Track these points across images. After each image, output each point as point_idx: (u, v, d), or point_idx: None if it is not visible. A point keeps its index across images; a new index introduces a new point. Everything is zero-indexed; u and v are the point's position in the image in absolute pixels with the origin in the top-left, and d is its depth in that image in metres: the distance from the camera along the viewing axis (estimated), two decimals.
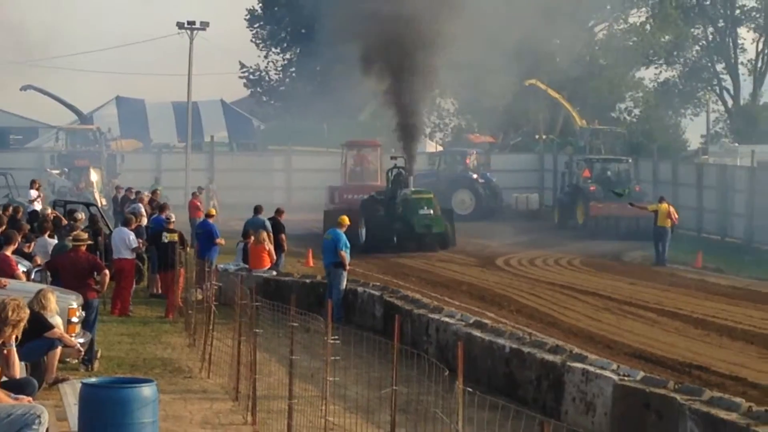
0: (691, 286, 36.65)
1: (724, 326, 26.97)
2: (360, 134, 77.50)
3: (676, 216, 45.34)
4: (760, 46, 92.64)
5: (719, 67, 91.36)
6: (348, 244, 29.92)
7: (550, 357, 18.44)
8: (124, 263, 29.00)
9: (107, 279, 23.00)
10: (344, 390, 15.47)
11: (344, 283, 28.97)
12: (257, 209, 36.63)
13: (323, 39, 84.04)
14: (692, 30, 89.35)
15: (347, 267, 29.24)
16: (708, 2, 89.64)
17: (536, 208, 67.13)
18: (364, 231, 49.26)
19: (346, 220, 30.75)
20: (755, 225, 52.00)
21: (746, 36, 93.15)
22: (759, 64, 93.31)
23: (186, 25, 72.63)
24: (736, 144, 73.15)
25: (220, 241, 32.94)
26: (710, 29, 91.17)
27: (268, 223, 35.31)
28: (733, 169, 57.79)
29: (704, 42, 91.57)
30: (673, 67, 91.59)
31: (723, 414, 14.01)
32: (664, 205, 45.03)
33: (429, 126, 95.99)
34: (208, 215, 35.21)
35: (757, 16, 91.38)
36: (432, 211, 50.22)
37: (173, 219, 33.63)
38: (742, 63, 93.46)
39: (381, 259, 46.20)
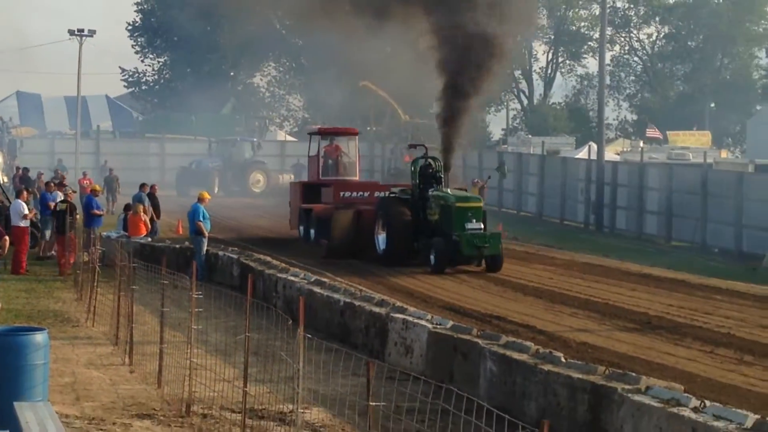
0: None
1: (518, 284, 27.21)
2: (222, 126, 77.21)
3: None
4: (550, 56, 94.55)
5: (517, 73, 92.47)
6: (206, 215, 28.68)
7: (376, 309, 18.48)
8: (20, 230, 28.60)
9: (7, 243, 22.54)
10: (206, 336, 15.36)
11: (204, 247, 28.55)
12: (141, 186, 35.69)
13: (192, 46, 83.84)
14: None
15: (205, 234, 28.52)
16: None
17: None
18: (383, 237, 31.26)
19: (206, 194, 29.75)
20: (545, 202, 52.99)
21: (538, 48, 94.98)
22: (548, 71, 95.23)
23: (76, 32, 72.19)
24: (530, 136, 74.42)
25: (96, 212, 32.13)
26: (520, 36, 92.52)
27: (146, 199, 34.66)
28: (527, 157, 58.71)
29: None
30: None
31: (516, 355, 14.16)
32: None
33: (279, 118, 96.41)
34: (93, 192, 34.66)
35: (550, 31, 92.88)
36: (482, 225, 30.35)
37: (70, 192, 35.25)
38: (535, 70, 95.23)
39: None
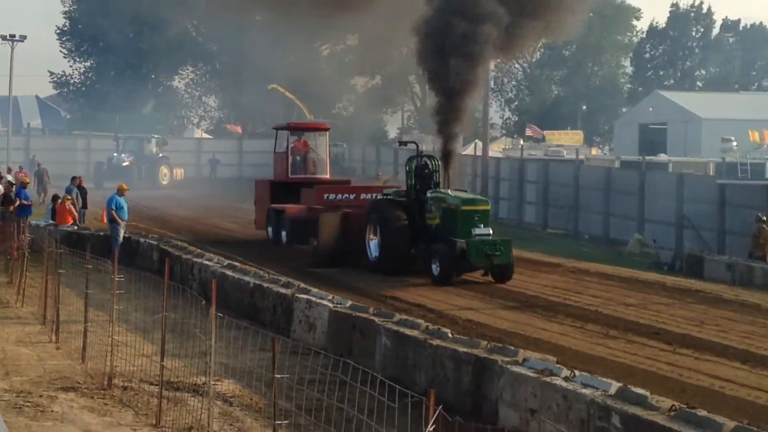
0: None
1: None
2: (144, 125, 76.33)
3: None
4: None
5: (411, 77, 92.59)
6: (120, 205, 27.39)
7: (283, 290, 18.43)
8: None
9: None
10: (127, 316, 15.15)
11: (119, 233, 27.54)
12: (72, 179, 34.86)
13: (116, 51, 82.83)
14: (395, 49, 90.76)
15: (118, 221, 27.25)
16: None
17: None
18: (376, 243, 25.88)
19: (125, 186, 28.56)
20: None
21: None
22: None
23: (8, 37, 70.38)
24: (422, 134, 74.64)
25: (25, 202, 31.39)
26: (404, 50, 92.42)
27: (75, 190, 34.05)
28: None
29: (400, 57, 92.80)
30: (376, 76, 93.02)
31: (408, 331, 14.22)
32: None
33: (196, 117, 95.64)
34: (22, 184, 34.13)
35: None
36: (491, 231, 24.90)
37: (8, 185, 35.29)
38: None
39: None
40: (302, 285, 19.18)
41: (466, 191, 28.50)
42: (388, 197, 27.01)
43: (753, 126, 57.23)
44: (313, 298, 17.30)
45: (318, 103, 72.02)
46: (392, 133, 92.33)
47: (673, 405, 10.16)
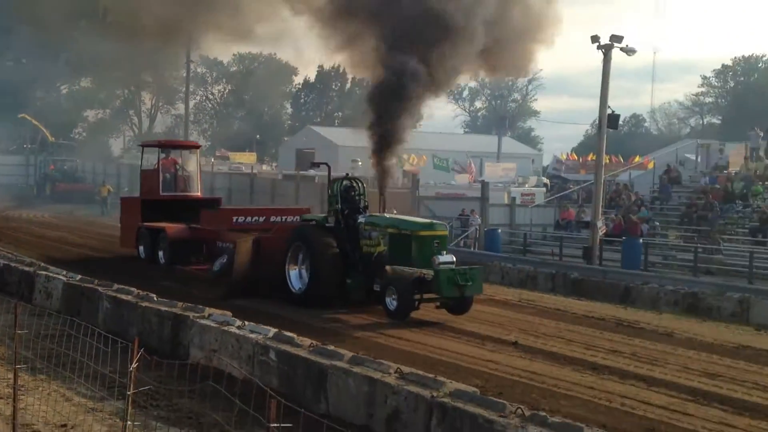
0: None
1: None
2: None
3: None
4: (154, 101, 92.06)
5: (131, 111, 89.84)
6: None
7: (26, 268, 17.33)
8: None
9: None
10: None
11: None
12: None
13: None
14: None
15: None
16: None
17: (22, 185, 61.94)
18: (297, 274, 17.33)
19: None
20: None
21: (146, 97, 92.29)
22: (152, 110, 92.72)
23: None
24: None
25: None
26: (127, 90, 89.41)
27: None
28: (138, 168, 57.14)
29: (124, 96, 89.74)
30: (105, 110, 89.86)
31: (123, 296, 13.74)
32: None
33: None
34: None
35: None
36: (453, 258, 16.09)
37: None
38: (143, 111, 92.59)
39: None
40: (42, 264, 18.11)
41: (431, 222, 17.18)
42: (313, 222, 18.05)
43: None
44: (51, 274, 16.34)
45: (59, 129, 68.16)
46: (116, 151, 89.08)
47: (311, 343, 10.43)
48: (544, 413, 7.85)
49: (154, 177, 24.79)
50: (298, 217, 20.12)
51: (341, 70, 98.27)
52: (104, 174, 55.81)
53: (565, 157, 60.44)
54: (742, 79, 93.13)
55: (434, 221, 17.34)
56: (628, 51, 25.63)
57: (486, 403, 8.05)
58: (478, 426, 7.74)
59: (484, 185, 34.70)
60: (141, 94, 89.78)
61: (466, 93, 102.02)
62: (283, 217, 21.18)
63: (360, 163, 54.37)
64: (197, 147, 26.48)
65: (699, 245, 25.64)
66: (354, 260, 17.03)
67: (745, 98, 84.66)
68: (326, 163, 19.84)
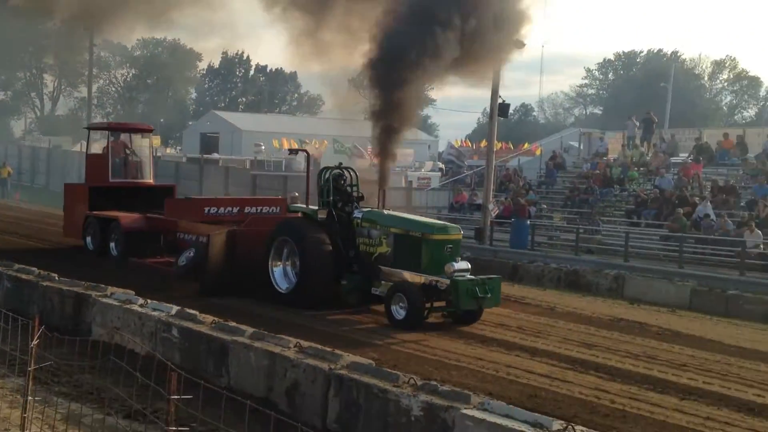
0: None
1: None
2: None
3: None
4: (57, 83, 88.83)
5: (32, 94, 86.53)
6: None
7: None
8: None
9: None
10: None
11: None
12: None
13: None
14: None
15: None
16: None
17: None
18: (281, 271, 14.80)
19: None
20: (50, 180, 49.62)
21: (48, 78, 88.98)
22: (55, 93, 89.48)
23: None
24: (41, 136, 70.01)
25: None
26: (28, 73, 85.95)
27: None
28: (38, 150, 55.16)
29: (26, 78, 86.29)
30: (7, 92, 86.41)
31: (24, 276, 13.34)
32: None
33: None
34: None
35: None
36: (469, 265, 13.47)
37: None
38: (45, 93, 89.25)
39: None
40: None
41: (446, 224, 14.90)
42: (300, 216, 15.44)
43: (275, 136, 59.12)
44: None
45: None
46: (17, 133, 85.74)
47: (213, 320, 10.34)
48: (435, 382, 8.01)
49: (102, 162, 21.26)
50: (275, 208, 18.11)
51: (245, 57, 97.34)
52: (5, 155, 53.66)
53: (459, 143, 61.31)
54: (622, 72, 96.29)
55: (447, 224, 14.95)
56: (517, 43, 26.07)
57: (381, 374, 8.16)
58: (373, 395, 7.84)
59: None
60: (43, 76, 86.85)
61: (366, 82, 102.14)
62: (258, 208, 18.55)
63: (263, 147, 54.02)
64: (149, 130, 22.78)
65: (580, 226, 26.43)
66: (348, 259, 14.56)
67: (624, 90, 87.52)
68: (305, 150, 17.81)
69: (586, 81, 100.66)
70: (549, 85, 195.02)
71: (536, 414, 7.10)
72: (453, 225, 14.89)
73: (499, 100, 26.09)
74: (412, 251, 13.71)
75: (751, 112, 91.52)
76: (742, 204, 25.19)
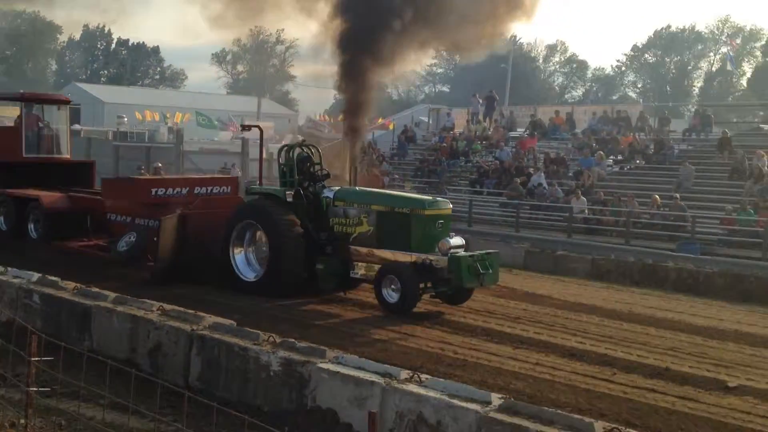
0: None
1: None
2: None
3: None
4: None
5: None
6: None
7: None
8: None
9: None
10: None
11: None
12: None
13: None
14: None
15: None
16: None
17: None
18: (243, 258, 13.09)
19: None
20: None
21: None
22: None
23: None
24: None
25: None
26: None
27: None
28: None
29: None
30: None
31: None
32: None
33: None
34: None
35: None
36: (464, 242, 12.08)
37: None
38: None
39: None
40: None
41: (437, 199, 13.09)
42: (268, 193, 13.41)
43: (137, 108, 57.15)
44: None
45: None
46: None
47: (76, 286, 9.97)
48: (293, 340, 8.07)
49: (14, 135, 18.22)
50: (226, 188, 15.86)
51: (107, 30, 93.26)
52: None
53: (318, 117, 61.21)
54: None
55: (438, 198, 13.29)
56: None
57: (242, 333, 8.14)
58: (234, 353, 7.82)
59: (245, 142, 34.44)
60: None
61: (229, 57, 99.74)
62: (209, 188, 15.80)
63: (126, 119, 52.02)
64: (67, 102, 19.74)
65: (430, 195, 27.03)
66: (320, 242, 12.78)
67: (469, 71, 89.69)
68: (258, 126, 14.93)
69: (436, 61, 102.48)
70: (402, 64, 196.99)
71: (386, 365, 7.29)
72: (443, 199, 13.17)
73: None
74: (399, 229, 12.05)
75: (579, 92, 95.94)
76: (569, 174, 26.47)
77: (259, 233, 12.96)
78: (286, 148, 13.86)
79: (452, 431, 6.20)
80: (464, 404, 6.26)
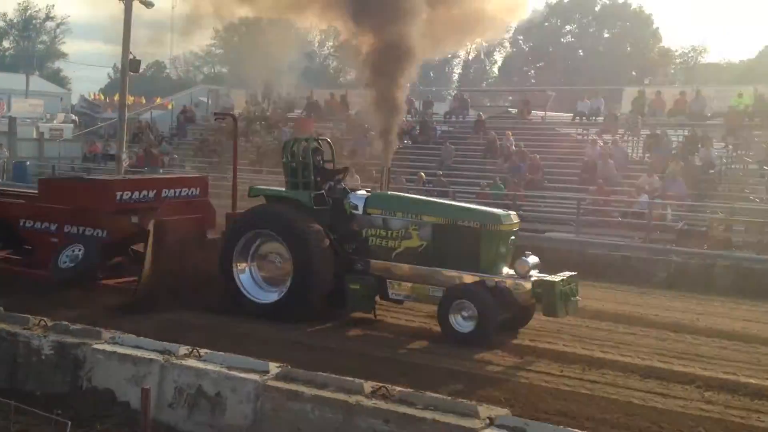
0: None
1: None
2: None
3: None
4: None
5: None
6: None
7: None
8: None
9: None
10: None
11: None
12: None
13: None
14: None
15: None
16: None
17: None
18: (248, 275, 10.43)
19: None
20: None
21: None
22: None
23: None
24: None
25: None
26: None
27: None
28: None
29: None
30: None
31: None
32: None
33: None
34: None
35: None
36: (538, 261, 9.84)
37: None
38: None
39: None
40: None
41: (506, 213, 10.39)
42: (281, 196, 10.85)
43: None
44: None
45: None
46: None
47: None
48: (66, 322, 7.66)
49: None
50: (194, 190, 12.89)
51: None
52: None
53: (93, 96, 57.73)
54: (246, 34, 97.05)
55: (509, 211, 10.52)
56: (147, 4, 25.29)
57: (11, 319, 7.62)
58: (2, 339, 7.33)
59: (12, 121, 31.92)
60: None
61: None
62: (177, 191, 12.62)
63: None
64: None
65: (210, 174, 26.50)
66: (346, 256, 10.37)
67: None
68: (232, 115, 12.99)
69: (215, 41, 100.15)
70: (181, 44, 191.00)
71: (164, 342, 7.14)
72: (512, 212, 10.56)
73: (131, 56, 25.18)
74: (465, 246, 9.82)
75: (352, 76, 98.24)
76: (344, 153, 27.07)
77: (267, 245, 10.46)
78: (291, 142, 11.23)
79: (232, 401, 6.22)
80: (243, 375, 6.30)
